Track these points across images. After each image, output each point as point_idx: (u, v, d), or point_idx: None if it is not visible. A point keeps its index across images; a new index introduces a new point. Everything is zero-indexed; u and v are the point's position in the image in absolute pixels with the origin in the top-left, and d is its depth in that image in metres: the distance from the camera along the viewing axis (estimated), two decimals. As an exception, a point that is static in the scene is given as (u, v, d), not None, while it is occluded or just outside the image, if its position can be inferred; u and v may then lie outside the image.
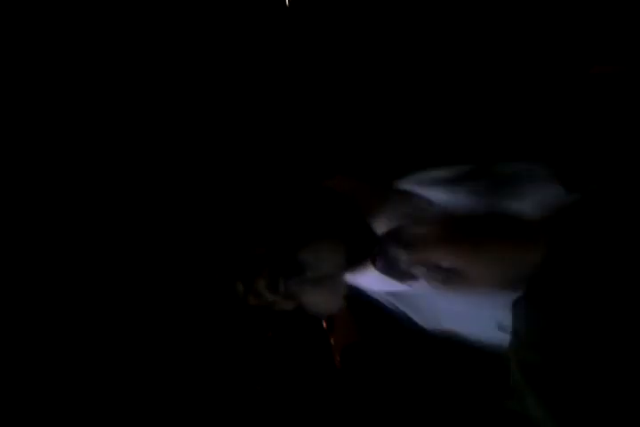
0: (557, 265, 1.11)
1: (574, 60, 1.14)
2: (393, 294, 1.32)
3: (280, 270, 1.20)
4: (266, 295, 1.22)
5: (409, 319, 1.31)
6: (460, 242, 1.26)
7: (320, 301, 1.22)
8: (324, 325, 2.05)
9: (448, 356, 1.30)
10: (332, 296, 1.23)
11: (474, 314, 1.29)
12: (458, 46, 1.23)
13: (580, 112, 1.16)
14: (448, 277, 1.27)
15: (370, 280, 1.28)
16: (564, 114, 1.16)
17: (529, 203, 1.19)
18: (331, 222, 1.25)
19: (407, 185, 1.27)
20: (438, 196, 1.25)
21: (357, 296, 1.31)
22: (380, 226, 1.27)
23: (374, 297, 1.34)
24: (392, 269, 1.29)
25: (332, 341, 1.86)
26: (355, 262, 1.24)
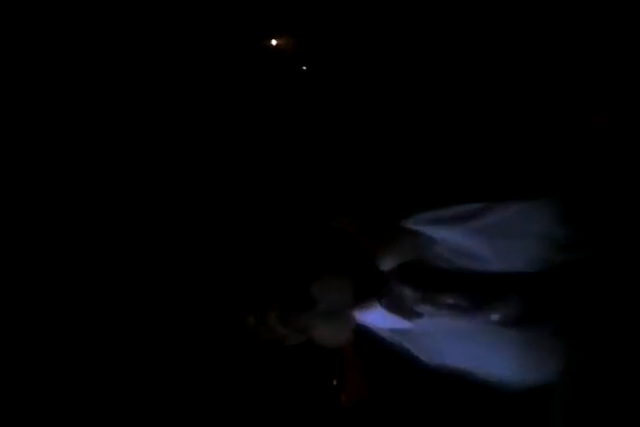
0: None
1: (574, 110, 1.20)
2: (397, 331, 1.34)
3: (291, 304, 1.23)
4: (277, 329, 1.24)
5: (412, 356, 1.32)
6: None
7: (329, 334, 1.24)
8: (335, 382, 2.05)
9: (451, 391, 1.30)
10: (340, 330, 1.25)
11: (485, 351, 1.30)
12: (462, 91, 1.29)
13: (581, 155, 1.22)
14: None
15: (375, 318, 1.30)
16: (566, 156, 1.22)
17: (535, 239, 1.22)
18: (339, 259, 1.29)
19: (412, 225, 1.31)
20: (441, 234, 1.29)
21: (364, 333, 1.33)
22: (387, 264, 1.30)
23: (379, 334, 1.36)
24: (397, 307, 1.31)
25: (342, 398, 1.86)
26: (362, 298, 1.26)
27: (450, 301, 1.26)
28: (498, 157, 1.18)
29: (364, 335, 1.32)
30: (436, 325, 1.32)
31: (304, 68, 3.85)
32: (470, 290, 1.24)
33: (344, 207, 1.36)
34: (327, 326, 1.24)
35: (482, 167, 1.19)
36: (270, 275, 1.25)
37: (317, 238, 1.34)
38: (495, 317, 1.22)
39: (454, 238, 1.28)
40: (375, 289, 1.29)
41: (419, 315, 1.33)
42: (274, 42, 3.92)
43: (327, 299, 1.23)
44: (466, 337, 1.30)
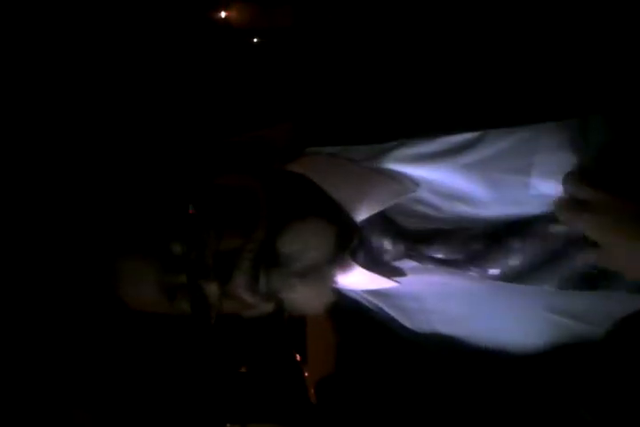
0: None
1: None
2: (374, 293, 1.04)
3: (259, 264, 0.90)
4: (242, 296, 0.92)
5: (394, 323, 1.02)
6: None
7: (307, 297, 0.94)
8: (298, 357, 1.76)
9: (443, 367, 1.00)
10: (320, 291, 0.95)
11: (483, 313, 1.01)
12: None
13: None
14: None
15: (347, 277, 1.00)
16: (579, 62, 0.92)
17: (539, 174, 0.93)
18: (305, 205, 0.98)
19: (385, 164, 1.01)
20: (424, 174, 0.99)
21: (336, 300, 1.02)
22: (359, 213, 1.00)
23: (350, 297, 1.06)
24: (375, 263, 1.02)
25: (305, 374, 1.55)
26: (344, 248, 0.96)
27: (438, 254, 0.96)
28: (489, 69, 0.87)
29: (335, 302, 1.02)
30: (423, 283, 1.03)
31: (255, 40, 3.66)
32: (462, 240, 0.95)
33: (301, 140, 1.02)
34: (306, 288, 0.92)
35: (470, 84, 0.88)
36: (227, 230, 0.93)
37: (275, 181, 1.03)
38: (494, 271, 0.93)
39: (440, 178, 0.99)
40: (347, 242, 0.98)
41: (401, 272, 1.03)
42: (222, 14, 3.69)
43: (302, 253, 0.92)
44: (460, 297, 1.02)
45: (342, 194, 1.00)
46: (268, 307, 0.97)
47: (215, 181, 1.03)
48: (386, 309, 1.06)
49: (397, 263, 1.03)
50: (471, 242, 0.97)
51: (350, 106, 1.06)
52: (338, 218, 0.98)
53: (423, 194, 1.00)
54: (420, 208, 1.01)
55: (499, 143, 0.96)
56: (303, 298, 0.95)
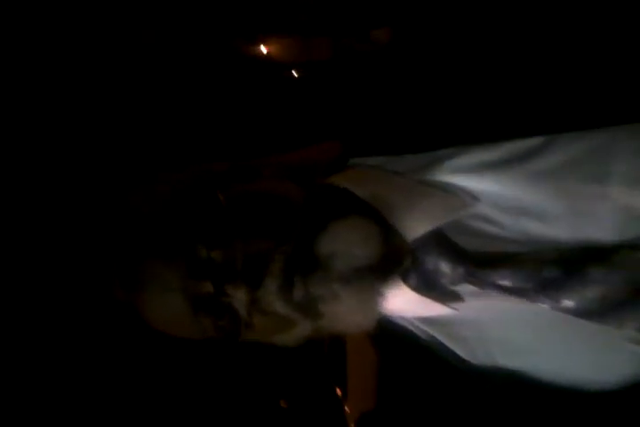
0: None
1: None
2: (427, 321, 0.88)
3: (295, 268, 0.77)
4: (276, 306, 0.77)
5: (448, 354, 0.86)
6: None
7: (350, 310, 0.79)
8: (338, 392, 1.60)
9: (502, 403, 0.84)
10: (366, 303, 0.80)
11: (551, 347, 0.84)
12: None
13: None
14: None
15: (396, 302, 0.84)
16: None
17: (620, 183, 0.77)
18: (350, 206, 0.83)
19: (437, 175, 0.86)
20: (484, 186, 0.84)
21: (380, 328, 0.87)
22: (413, 231, 0.85)
23: (399, 325, 0.90)
24: (429, 287, 0.86)
25: (346, 409, 1.38)
26: (381, 273, 0.81)
27: (503, 281, 0.81)
28: (556, 65, 0.73)
29: (377, 327, 0.86)
30: (483, 310, 0.87)
31: (294, 73, 3.62)
32: (532, 266, 0.79)
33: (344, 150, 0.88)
34: (350, 297, 0.77)
35: (535, 82, 0.73)
36: (258, 231, 0.79)
37: (315, 191, 0.89)
38: (569, 303, 0.76)
39: (502, 190, 0.83)
40: (398, 262, 0.83)
41: (458, 297, 0.88)
42: (263, 49, 3.65)
43: (344, 254, 0.76)
44: (526, 327, 0.85)
45: (391, 210, 0.86)
46: (304, 326, 0.82)
47: (250, 185, 0.89)
48: (439, 337, 0.90)
49: (455, 287, 0.87)
50: (543, 268, 0.81)
51: (396, 108, 0.92)
52: (386, 233, 0.83)
53: (484, 209, 0.85)
54: (482, 225, 0.85)
55: (570, 149, 0.81)
56: (346, 310, 0.79)
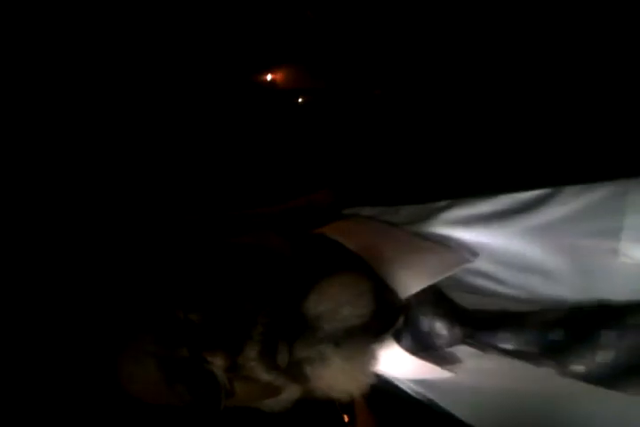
0: None
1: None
2: (424, 384, 0.80)
3: (278, 332, 0.69)
4: (256, 373, 0.69)
5: (448, 417, 0.77)
6: None
7: (340, 374, 0.70)
8: (346, 418, 1.49)
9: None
10: (357, 366, 0.71)
11: (558, 413, 0.75)
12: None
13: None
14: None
15: (390, 365, 0.76)
16: None
17: (632, 238, 0.69)
18: (339, 262, 0.75)
19: (433, 228, 0.78)
20: (483, 239, 0.76)
21: (374, 388, 0.78)
22: (406, 288, 0.77)
23: (396, 387, 0.82)
24: (425, 348, 0.78)
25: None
26: (386, 329, 0.73)
27: (505, 344, 0.72)
28: (560, 113, 0.65)
29: (375, 390, 0.77)
30: (484, 375, 0.79)
31: (299, 100, 3.58)
32: (537, 327, 0.71)
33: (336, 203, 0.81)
34: (340, 360, 0.69)
35: (536, 132, 0.65)
36: (235, 292, 0.72)
37: (302, 242, 0.81)
38: (578, 368, 0.68)
39: (502, 244, 0.75)
40: (390, 320, 0.75)
41: (455, 359, 0.79)
42: (268, 77, 3.61)
43: (336, 311, 0.69)
44: (531, 393, 0.76)
45: (384, 264, 0.77)
46: (290, 391, 0.74)
47: (236, 239, 0.81)
48: (437, 401, 0.81)
49: (452, 349, 0.79)
50: (548, 331, 0.73)
51: (391, 158, 0.84)
52: (378, 290, 0.75)
53: (483, 264, 0.77)
54: (481, 282, 0.77)
55: (574, 202, 0.73)
56: (335, 374, 0.71)
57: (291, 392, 0.76)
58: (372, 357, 0.75)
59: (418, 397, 0.83)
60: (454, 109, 0.78)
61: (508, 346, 0.74)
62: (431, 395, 0.82)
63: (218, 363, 0.71)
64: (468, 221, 0.78)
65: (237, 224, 0.87)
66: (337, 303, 0.72)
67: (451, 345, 0.78)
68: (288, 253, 0.79)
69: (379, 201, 0.84)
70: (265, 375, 0.71)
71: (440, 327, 0.77)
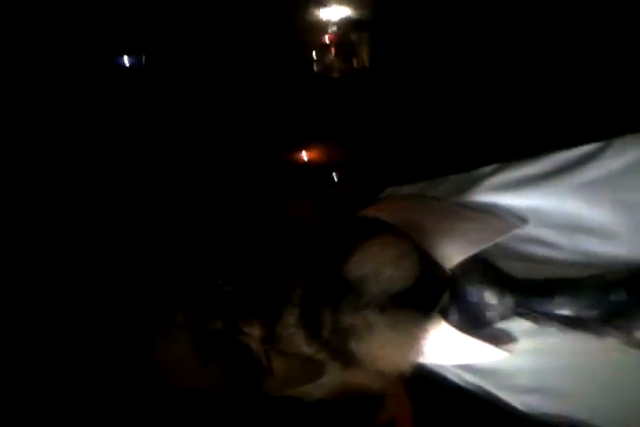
0: None
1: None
2: (472, 369, 0.71)
3: (319, 296, 0.63)
4: (297, 343, 0.62)
5: (500, 405, 0.68)
6: None
7: (388, 345, 0.63)
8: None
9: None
10: (403, 337, 0.63)
11: (624, 391, 0.66)
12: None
13: None
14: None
15: (435, 347, 0.68)
16: None
17: None
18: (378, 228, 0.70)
19: (478, 196, 0.72)
20: (531, 203, 0.70)
21: (415, 377, 0.70)
22: (450, 258, 0.71)
23: (441, 376, 0.73)
24: (475, 323, 0.70)
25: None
26: (432, 304, 0.66)
27: (562, 310, 0.64)
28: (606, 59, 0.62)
29: (416, 379, 0.69)
30: (540, 354, 0.70)
31: (334, 174, 3.62)
32: (595, 290, 0.63)
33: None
34: (387, 328, 0.63)
35: (580, 81, 0.62)
36: (275, 258, 0.66)
37: (341, 223, 0.76)
38: None
39: (553, 206, 0.69)
40: (435, 295, 0.68)
41: (510, 337, 0.71)
42: (304, 155, 3.69)
43: (380, 272, 0.64)
44: (593, 372, 0.67)
45: (425, 235, 0.72)
46: (332, 373, 0.66)
47: (270, 216, 0.77)
48: (487, 387, 0.72)
49: (504, 325, 0.71)
50: (609, 292, 0.65)
51: (425, 126, 0.80)
52: (421, 257, 0.69)
53: (533, 229, 0.71)
54: (531, 248, 0.70)
55: (626, 154, 0.67)
56: (381, 346, 0.63)
57: (332, 375, 0.68)
58: (419, 327, 0.67)
59: (468, 386, 0.74)
60: (489, 73, 0.76)
61: (567, 312, 0.66)
62: (483, 382, 0.73)
63: (254, 333, 0.65)
64: (513, 186, 0.73)
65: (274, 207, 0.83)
66: (379, 264, 0.66)
67: (503, 318, 0.70)
68: (326, 227, 0.75)
69: (418, 177, 0.80)
70: (305, 347, 0.65)
71: (490, 296, 0.70)
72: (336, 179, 3.43)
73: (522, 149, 0.73)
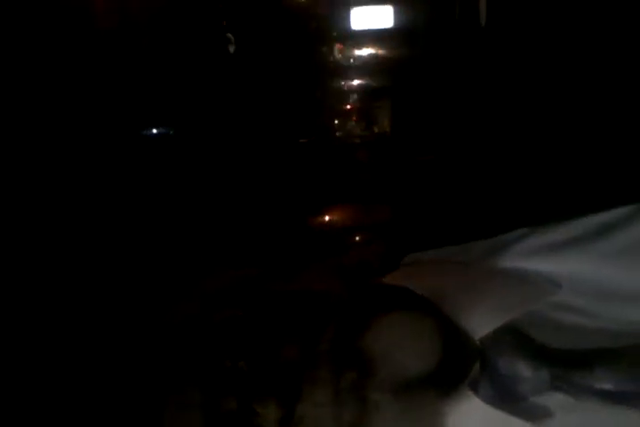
0: None
1: None
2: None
3: (344, 367, 0.60)
4: (323, 424, 0.58)
5: None
6: None
7: None
8: None
9: None
10: (414, 424, 0.58)
11: None
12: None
13: None
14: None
15: (467, 421, 0.63)
16: None
17: None
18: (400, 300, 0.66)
19: (507, 261, 0.69)
20: (565, 268, 0.66)
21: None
22: (477, 326, 0.66)
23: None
24: (507, 398, 0.65)
25: None
26: (460, 377, 0.61)
27: (602, 384, 0.59)
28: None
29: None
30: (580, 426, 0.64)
31: (357, 238, 3.65)
32: (636, 362, 0.58)
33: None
34: (395, 414, 0.58)
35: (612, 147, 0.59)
36: (288, 329, 0.63)
37: (361, 290, 0.73)
38: None
39: (589, 272, 0.65)
40: (463, 368, 0.63)
41: (545, 412, 0.65)
42: (326, 218, 3.70)
43: (392, 355, 0.59)
44: None
45: (451, 302, 0.68)
46: None
47: (287, 284, 0.73)
48: None
49: (539, 399, 0.65)
50: None
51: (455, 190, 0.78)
52: (446, 330, 0.65)
53: (567, 297, 0.67)
54: (566, 317, 0.66)
55: None
56: None
57: None
58: (438, 412, 0.63)
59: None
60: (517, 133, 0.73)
61: (607, 386, 0.61)
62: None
63: (270, 415, 0.61)
64: (546, 250, 0.69)
65: (288, 273, 0.79)
66: (394, 345, 0.62)
67: (538, 392, 0.65)
68: (345, 296, 0.71)
69: (444, 242, 0.76)
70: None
71: (523, 369, 0.65)
72: (357, 240, 3.41)
73: (547, 214, 0.70)
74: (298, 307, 0.69)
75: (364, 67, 3.12)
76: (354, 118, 3.47)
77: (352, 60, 3.02)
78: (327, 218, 3.49)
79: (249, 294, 0.72)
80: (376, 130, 3.43)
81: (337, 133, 3.51)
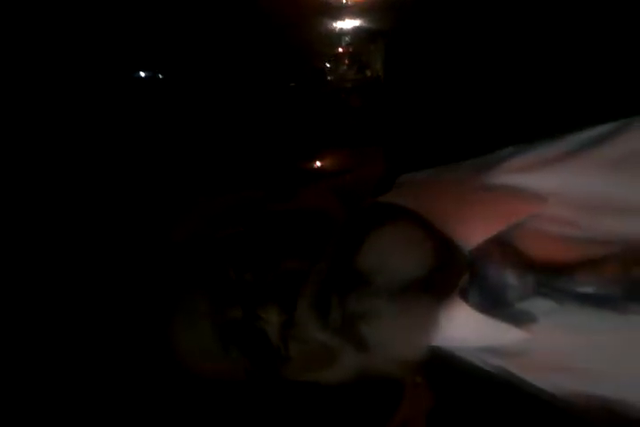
0: None
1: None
2: (493, 351, 0.70)
3: (331, 287, 0.64)
4: (311, 330, 0.62)
5: (527, 387, 0.67)
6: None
7: (396, 331, 0.63)
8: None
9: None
10: (413, 325, 0.63)
11: None
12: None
13: None
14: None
15: (456, 329, 0.67)
16: None
17: None
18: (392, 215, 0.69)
19: (496, 178, 0.71)
20: (550, 183, 0.69)
21: (434, 360, 0.69)
22: (467, 240, 0.70)
23: (462, 359, 0.72)
24: (496, 305, 0.69)
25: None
26: (451, 286, 0.65)
27: (584, 288, 0.63)
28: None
29: (435, 363, 0.68)
30: (563, 333, 0.68)
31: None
32: (618, 267, 0.62)
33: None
34: (395, 314, 0.63)
35: (601, 62, 0.62)
36: (283, 246, 0.67)
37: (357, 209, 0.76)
38: None
39: (574, 185, 0.68)
40: (455, 277, 0.67)
41: (531, 317, 0.69)
42: (317, 163, 3.69)
43: (387, 263, 0.64)
44: (617, 346, 0.65)
45: (443, 218, 0.71)
46: (348, 357, 0.65)
47: (288, 204, 0.77)
48: (511, 369, 0.70)
49: (525, 305, 0.70)
50: (632, 269, 0.64)
51: (443, 109, 0.80)
52: (438, 241, 0.68)
53: (553, 209, 0.70)
54: (552, 228, 0.69)
55: None
56: (391, 331, 0.63)
57: (348, 359, 0.68)
58: (431, 315, 0.67)
59: (491, 369, 0.73)
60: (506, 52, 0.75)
61: (589, 290, 0.65)
62: (507, 364, 0.72)
63: (272, 319, 0.66)
64: (534, 167, 0.72)
65: (288, 194, 0.82)
66: (387, 253, 0.66)
67: (524, 298, 0.69)
68: (342, 214, 0.74)
69: (436, 161, 0.79)
70: (320, 333, 0.65)
71: (510, 277, 0.68)
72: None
73: (536, 132, 0.72)
74: (297, 223, 0.72)
75: (358, 7, 3.07)
76: (346, 62, 3.42)
77: (345, 1, 2.97)
78: (318, 163, 3.50)
79: (250, 213, 0.76)
80: (369, 74, 3.39)
81: (328, 77, 3.47)
